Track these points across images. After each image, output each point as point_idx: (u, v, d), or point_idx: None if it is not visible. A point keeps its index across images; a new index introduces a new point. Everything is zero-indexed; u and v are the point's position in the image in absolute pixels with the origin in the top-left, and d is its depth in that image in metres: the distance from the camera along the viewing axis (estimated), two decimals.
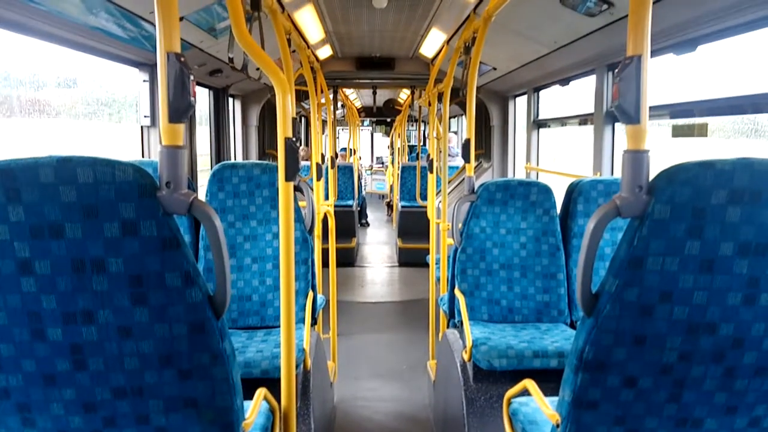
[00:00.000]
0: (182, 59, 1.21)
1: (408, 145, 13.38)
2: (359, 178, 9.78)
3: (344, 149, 12.53)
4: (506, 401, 1.99)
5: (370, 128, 19.72)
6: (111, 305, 1.20)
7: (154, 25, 1.23)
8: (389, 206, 13.17)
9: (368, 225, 11.58)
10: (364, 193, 11.24)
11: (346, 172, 8.99)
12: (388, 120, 16.48)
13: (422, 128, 10.87)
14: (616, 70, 1.28)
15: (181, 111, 1.23)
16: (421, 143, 9.94)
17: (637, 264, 1.24)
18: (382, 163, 18.75)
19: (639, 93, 1.25)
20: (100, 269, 1.17)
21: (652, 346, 1.31)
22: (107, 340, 1.23)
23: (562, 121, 5.11)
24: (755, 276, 1.23)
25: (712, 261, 1.23)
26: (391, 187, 12.74)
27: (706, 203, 1.19)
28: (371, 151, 20.24)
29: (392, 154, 14.40)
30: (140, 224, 1.16)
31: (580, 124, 4.59)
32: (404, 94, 11.00)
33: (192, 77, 1.23)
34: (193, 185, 3.82)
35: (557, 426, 1.48)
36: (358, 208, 9.35)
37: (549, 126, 5.40)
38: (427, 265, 4.33)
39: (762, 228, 1.20)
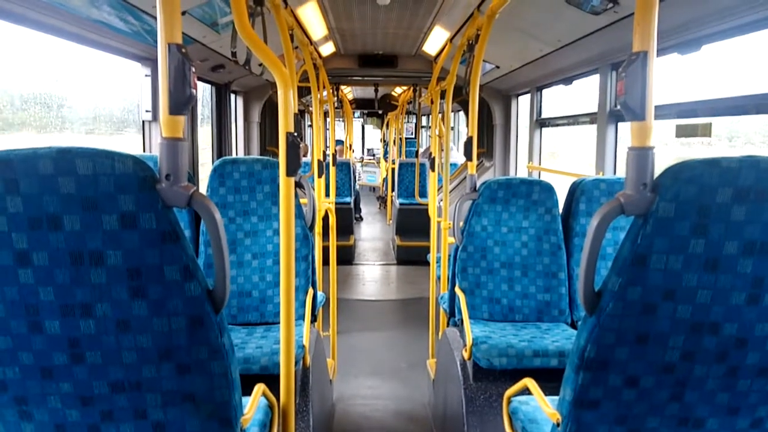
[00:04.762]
0: (183, 50, 1.20)
1: (406, 139, 13.39)
2: (354, 173, 9.80)
3: (340, 142, 12.52)
4: (506, 400, 1.98)
5: (362, 120, 19.55)
6: (109, 298, 1.19)
7: (156, 19, 1.22)
8: (381, 199, 13.19)
9: (362, 219, 11.65)
10: (357, 187, 11.28)
11: (343, 169, 8.97)
12: (380, 112, 16.42)
13: (419, 123, 10.89)
14: (622, 66, 1.27)
15: (181, 103, 1.22)
16: (414, 137, 9.90)
17: (640, 262, 1.23)
18: (373, 155, 18.80)
19: (644, 89, 1.24)
20: (99, 262, 1.16)
21: (654, 345, 1.29)
22: (105, 333, 1.22)
23: (565, 120, 5.09)
24: (760, 275, 1.22)
25: (716, 260, 1.21)
26: (384, 180, 12.75)
27: (711, 201, 1.18)
28: (362, 143, 20.21)
29: (385, 147, 14.40)
30: (139, 217, 1.15)
31: (583, 123, 4.58)
32: (399, 89, 10.98)
33: (193, 69, 1.22)
34: (193, 179, 3.82)
35: (557, 425, 1.47)
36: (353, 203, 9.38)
37: (558, 125, 5.37)
38: (425, 263, 4.32)
39: (767, 227, 1.19)
